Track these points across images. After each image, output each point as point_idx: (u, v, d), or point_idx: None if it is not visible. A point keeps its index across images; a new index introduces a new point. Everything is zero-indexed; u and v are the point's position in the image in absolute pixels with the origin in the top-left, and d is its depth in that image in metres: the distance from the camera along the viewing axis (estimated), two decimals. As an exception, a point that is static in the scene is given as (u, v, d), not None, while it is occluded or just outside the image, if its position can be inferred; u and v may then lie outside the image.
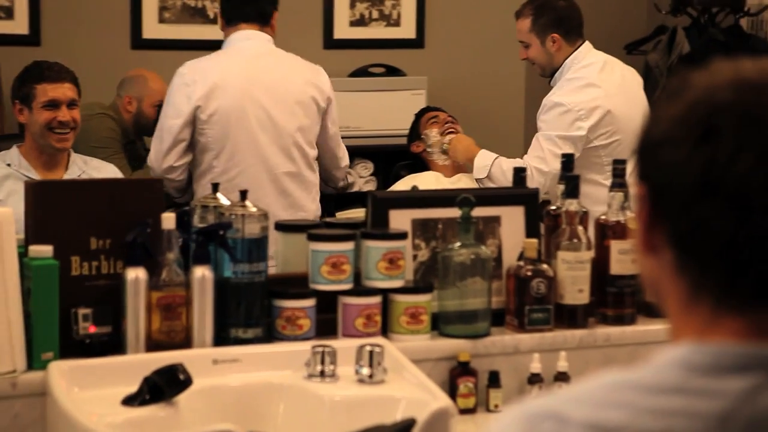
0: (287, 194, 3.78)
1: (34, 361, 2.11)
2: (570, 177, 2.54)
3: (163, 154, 3.74)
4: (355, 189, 5.18)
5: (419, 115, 4.47)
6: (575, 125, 3.84)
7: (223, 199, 2.32)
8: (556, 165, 3.85)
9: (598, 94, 3.89)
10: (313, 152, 3.89)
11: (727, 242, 0.99)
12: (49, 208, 2.19)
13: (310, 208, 3.86)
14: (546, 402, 1.02)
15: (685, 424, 0.96)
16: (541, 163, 3.82)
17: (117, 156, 4.34)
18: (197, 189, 3.77)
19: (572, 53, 3.99)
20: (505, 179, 3.76)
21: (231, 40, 3.90)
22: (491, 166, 3.89)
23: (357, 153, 5.24)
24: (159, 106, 4.42)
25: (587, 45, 4.04)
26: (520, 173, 2.70)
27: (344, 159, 4.11)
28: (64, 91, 3.61)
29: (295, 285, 2.33)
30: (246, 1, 3.91)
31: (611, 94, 3.90)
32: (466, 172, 4.25)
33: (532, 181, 3.44)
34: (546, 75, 4.09)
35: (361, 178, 5.25)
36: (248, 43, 3.88)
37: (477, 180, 3.95)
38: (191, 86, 3.74)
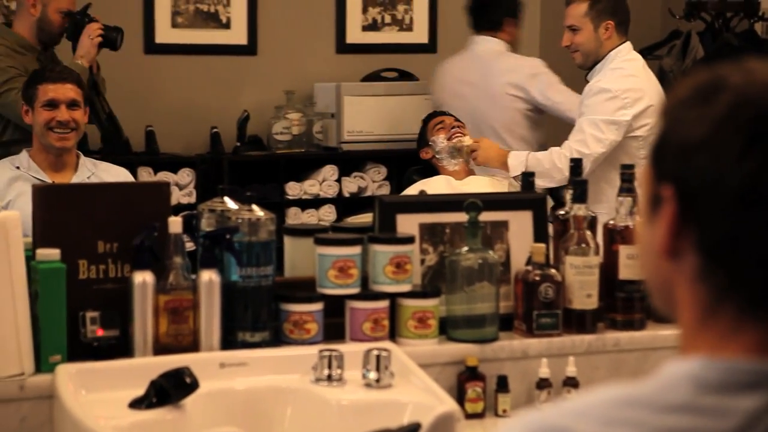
0: None
1: (42, 364, 2.11)
2: (578, 182, 2.54)
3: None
4: (368, 193, 5.19)
5: (426, 121, 4.48)
6: (620, 111, 3.92)
7: (230, 203, 2.32)
8: (597, 149, 3.90)
9: (643, 85, 3.97)
10: None
11: (764, 253, 0.96)
12: (57, 212, 2.20)
13: None
14: (550, 415, 0.99)
15: None
16: (582, 146, 3.89)
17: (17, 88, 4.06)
18: None
19: (617, 46, 4.02)
20: (541, 167, 3.83)
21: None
22: (526, 160, 3.96)
23: (370, 157, 5.26)
24: (66, 14, 4.34)
25: (630, 44, 4.11)
26: (528, 177, 2.69)
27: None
28: (64, 91, 3.62)
29: (303, 289, 2.34)
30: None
31: (653, 90, 3.96)
32: (476, 175, 4.25)
33: None
34: (586, 66, 4.11)
35: (374, 182, 5.26)
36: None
37: (515, 178, 3.97)
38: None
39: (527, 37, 5.62)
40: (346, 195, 5.19)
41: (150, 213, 2.24)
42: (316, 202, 5.15)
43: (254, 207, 2.28)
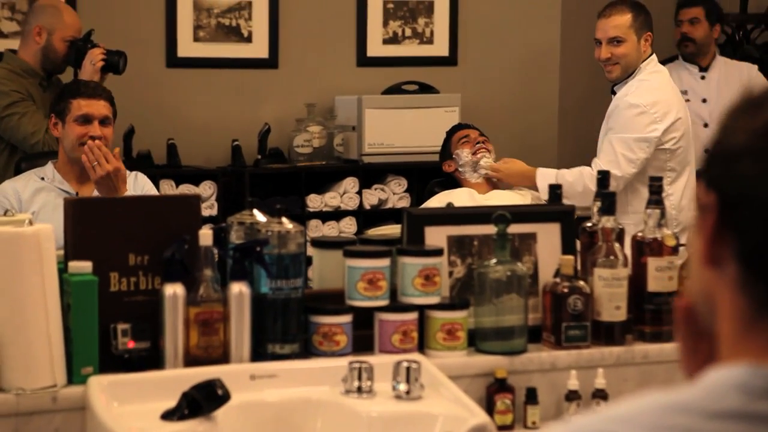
0: None
1: (74, 376, 2.12)
2: (606, 194, 2.54)
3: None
4: (389, 206, 5.19)
5: (450, 134, 4.46)
6: (650, 127, 3.91)
7: (259, 216, 2.33)
8: (629, 169, 3.89)
9: (670, 98, 3.97)
10: None
11: None
12: (89, 225, 2.21)
13: None
14: (595, 422, 0.98)
15: None
16: (614, 167, 3.86)
17: (26, 112, 4.15)
18: None
19: (646, 58, 4.03)
20: (574, 190, 3.78)
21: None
22: (556, 181, 3.94)
23: (390, 170, 5.27)
24: (71, 42, 4.34)
25: (655, 57, 4.10)
26: (555, 190, 2.70)
27: None
28: (98, 107, 3.64)
29: (332, 301, 2.34)
30: None
31: (679, 103, 3.98)
32: (499, 188, 4.25)
33: None
34: (621, 78, 4.10)
35: (395, 194, 5.26)
36: None
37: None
38: None
39: (547, 52, 5.62)
40: (367, 207, 5.19)
41: (180, 226, 2.25)
42: (337, 215, 5.15)
43: (284, 219, 2.29)
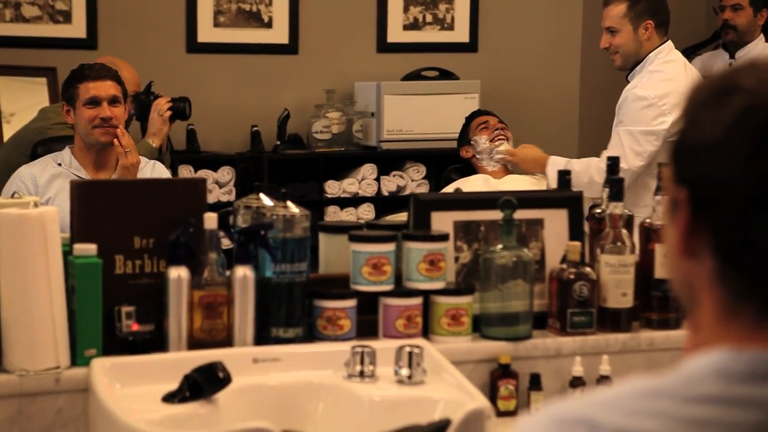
0: None
1: (77, 358, 2.14)
2: (614, 180, 2.53)
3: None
4: (407, 192, 5.19)
5: (469, 120, 4.46)
6: (658, 120, 3.89)
7: (265, 200, 2.33)
8: (636, 163, 3.87)
9: (681, 89, 3.92)
10: None
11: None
12: (94, 208, 2.22)
13: None
14: (575, 406, 0.99)
15: None
16: (621, 160, 3.82)
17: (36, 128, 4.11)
18: None
19: (657, 47, 4.01)
20: (580, 181, 3.78)
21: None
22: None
23: (409, 156, 5.27)
24: (133, 97, 4.31)
25: (671, 43, 4.07)
26: (564, 176, 2.69)
27: None
28: (105, 88, 3.66)
29: (337, 286, 2.34)
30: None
31: None
32: (515, 174, 4.25)
33: None
34: (626, 67, 4.09)
35: (413, 181, 5.26)
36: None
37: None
38: None
39: (567, 39, 5.60)
40: (385, 194, 5.20)
41: (186, 209, 2.26)
42: (355, 201, 5.16)
43: (289, 204, 2.29)
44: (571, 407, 0.99)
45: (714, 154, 0.98)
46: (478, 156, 4.33)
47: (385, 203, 5.16)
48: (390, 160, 5.24)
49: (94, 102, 3.64)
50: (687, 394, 0.95)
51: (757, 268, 0.97)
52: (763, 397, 0.94)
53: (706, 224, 1.00)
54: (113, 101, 3.66)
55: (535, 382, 2.37)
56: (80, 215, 2.22)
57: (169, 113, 4.25)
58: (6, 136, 4.67)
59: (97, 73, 3.68)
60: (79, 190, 2.24)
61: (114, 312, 2.19)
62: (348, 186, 5.15)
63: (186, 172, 4.89)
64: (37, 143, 3.99)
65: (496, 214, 2.40)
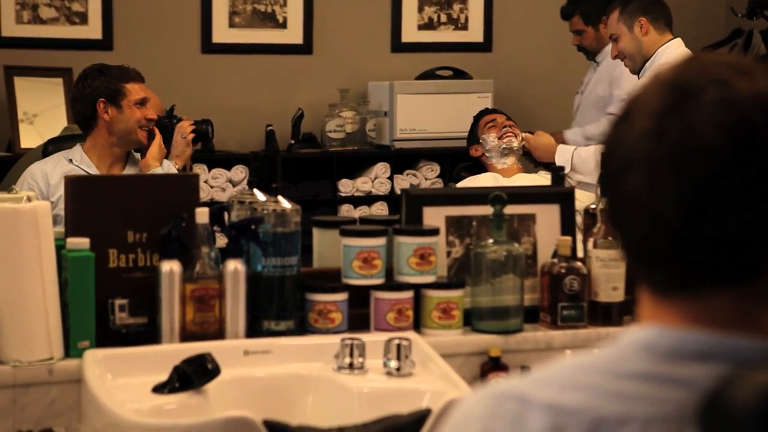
0: None
1: (70, 350, 2.18)
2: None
3: None
4: (420, 191, 5.22)
5: (477, 118, 4.48)
6: None
7: (258, 195, 2.37)
8: None
9: None
10: None
11: (637, 243, 1.04)
12: (88, 202, 2.27)
13: None
14: (513, 383, 1.04)
15: (646, 409, 0.97)
16: None
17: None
18: None
19: (663, 44, 4.03)
20: (587, 167, 3.82)
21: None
22: (572, 158, 3.97)
23: (423, 155, 5.29)
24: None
25: (679, 40, 4.10)
26: (558, 172, 2.71)
27: None
28: (147, 92, 3.81)
29: (329, 279, 2.38)
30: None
31: None
32: (525, 173, 4.26)
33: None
34: (637, 69, 4.12)
35: (427, 179, 5.29)
36: None
37: (563, 175, 3.99)
38: None
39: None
40: (399, 192, 5.22)
41: (179, 204, 2.30)
42: (369, 200, 5.19)
43: (280, 198, 2.33)
44: (509, 384, 1.04)
45: (623, 175, 1.06)
46: (487, 154, 4.34)
47: (398, 202, 5.16)
48: (403, 159, 5.26)
49: (144, 103, 3.74)
50: (615, 369, 1.00)
51: (631, 254, 1.05)
52: (685, 375, 0.97)
53: (619, 230, 1.10)
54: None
55: (525, 375, 2.39)
56: (74, 210, 2.26)
57: (192, 135, 4.26)
58: (24, 137, 4.73)
59: (138, 76, 3.79)
60: (73, 185, 2.28)
61: (108, 305, 2.23)
62: (361, 185, 5.18)
63: (199, 171, 4.93)
64: (47, 141, 4.05)
65: (487, 210, 2.42)
